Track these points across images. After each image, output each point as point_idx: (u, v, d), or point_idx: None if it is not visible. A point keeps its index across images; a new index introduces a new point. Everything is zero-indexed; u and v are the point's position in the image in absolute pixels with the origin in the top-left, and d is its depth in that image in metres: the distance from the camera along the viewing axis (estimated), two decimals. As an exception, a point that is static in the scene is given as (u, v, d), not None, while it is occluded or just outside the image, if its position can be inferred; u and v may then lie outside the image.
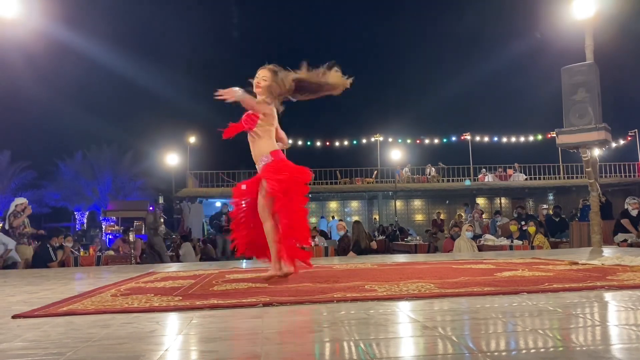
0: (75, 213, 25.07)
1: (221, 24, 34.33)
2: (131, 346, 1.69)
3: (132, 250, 8.61)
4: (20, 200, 8.76)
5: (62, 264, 8.26)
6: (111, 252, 9.12)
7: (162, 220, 9.33)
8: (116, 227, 15.44)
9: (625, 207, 8.55)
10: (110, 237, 14.68)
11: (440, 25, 33.31)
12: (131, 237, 8.78)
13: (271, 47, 36.11)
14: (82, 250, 9.48)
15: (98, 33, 24.95)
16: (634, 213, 8.37)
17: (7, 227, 8.40)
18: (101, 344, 1.72)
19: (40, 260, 8.05)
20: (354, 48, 37.79)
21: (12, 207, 8.58)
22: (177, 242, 10.48)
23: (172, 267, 5.77)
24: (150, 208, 16.95)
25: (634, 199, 8.59)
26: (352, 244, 8.19)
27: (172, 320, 2.18)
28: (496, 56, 28.59)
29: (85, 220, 24.53)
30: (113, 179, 25.72)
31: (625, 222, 8.34)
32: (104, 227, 16.74)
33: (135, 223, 13.97)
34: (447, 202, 18.00)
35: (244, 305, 2.41)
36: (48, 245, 8.42)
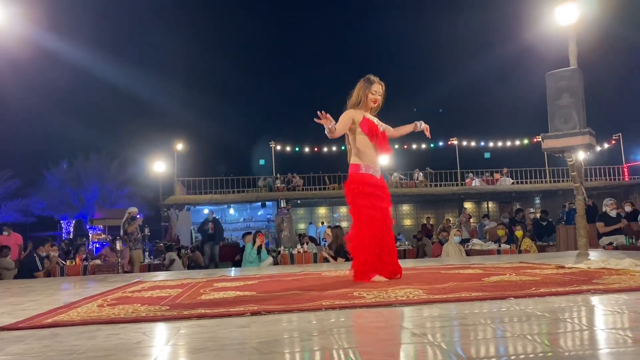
0: (61, 222, 24.80)
1: (208, 31, 34.25)
2: (117, 358, 1.66)
3: (120, 259, 8.51)
4: (133, 209, 9.76)
5: (48, 273, 8.15)
6: (98, 261, 9.01)
7: (284, 224, 9.56)
8: (103, 236, 15.29)
9: (603, 209, 8.68)
10: (97, 245, 14.52)
11: (427, 31, 33.57)
12: (118, 245, 8.68)
13: (256, 52, 36.19)
14: (68, 260, 9.37)
15: (84, 40, 24.81)
16: (613, 214, 8.49)
17: (122, 233, 9.18)
18: (87, 356, 1.70)
19: (26, 270, 7.94)
20: (341, 54, 37.95)
21: (126, 215, 9.44)
22: (162, 251, 10.38)
23: (160, 276, 5.73)
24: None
25: (610, 199, 8.74)
26: (336, 249, 8.12)
27: (160, 331, 2.16)
28: (482, 62, 28.87)
29: (71, 229, 24.29)
30: (100, 187, 25.49)
31: (599, 225, 8.46)
32: (90, 235, 16.57)
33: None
34: (431, 212, 18.06)
35: (232, 315, 2.39)
36: (35, 255, 8.31)
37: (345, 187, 3.83)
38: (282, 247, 8.56)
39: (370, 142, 3.81)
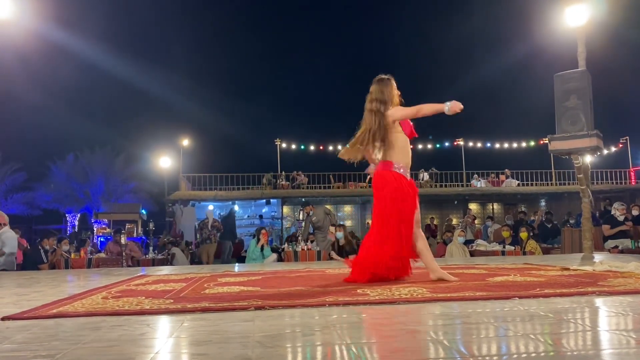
0: (66, 215, 24.90)
1: (215, 26, 34.31)
2: (121, 349, 1.67)
3: (124, 253, 8.54)
4: (210, 207, 11.22)
5: (53, 266, 8.18)
6: (102, 255, 9.04)
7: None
8: (108, 230, 15.33)
9: (612, 212, 8.64)
10: (102, 239, 14.57)
11: (434, 32, 33.46)
12: (122, 239, 8.71)
13: (263, 48, 36.22)
14: (73, 252, 9.39)
15: (91, 34, 24.86)
16: (621, 218, 8.46)
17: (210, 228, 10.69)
18: (91, 346, 1.71)
19: (31, 262, 7.98)
20: (347, 53, 37.91)
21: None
22: (166, 245, 10.41)
23: (164, 270, 5.75)
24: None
25: (622, 204, 8.70)
26: (339, 248, 8.11)
27: (163, 323, 2.17)
28: (490, 62, 28.77)
29: (76, 223, 24.37)
30: (105, 182, 25.55)
31: (605, 227, 8.44)
32: (95, 229, 16.63)
33: (127, 226, 13.89)
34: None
35: (236, 309, 2.40)
36: (39, 247, 8.35)
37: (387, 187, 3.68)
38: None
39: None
